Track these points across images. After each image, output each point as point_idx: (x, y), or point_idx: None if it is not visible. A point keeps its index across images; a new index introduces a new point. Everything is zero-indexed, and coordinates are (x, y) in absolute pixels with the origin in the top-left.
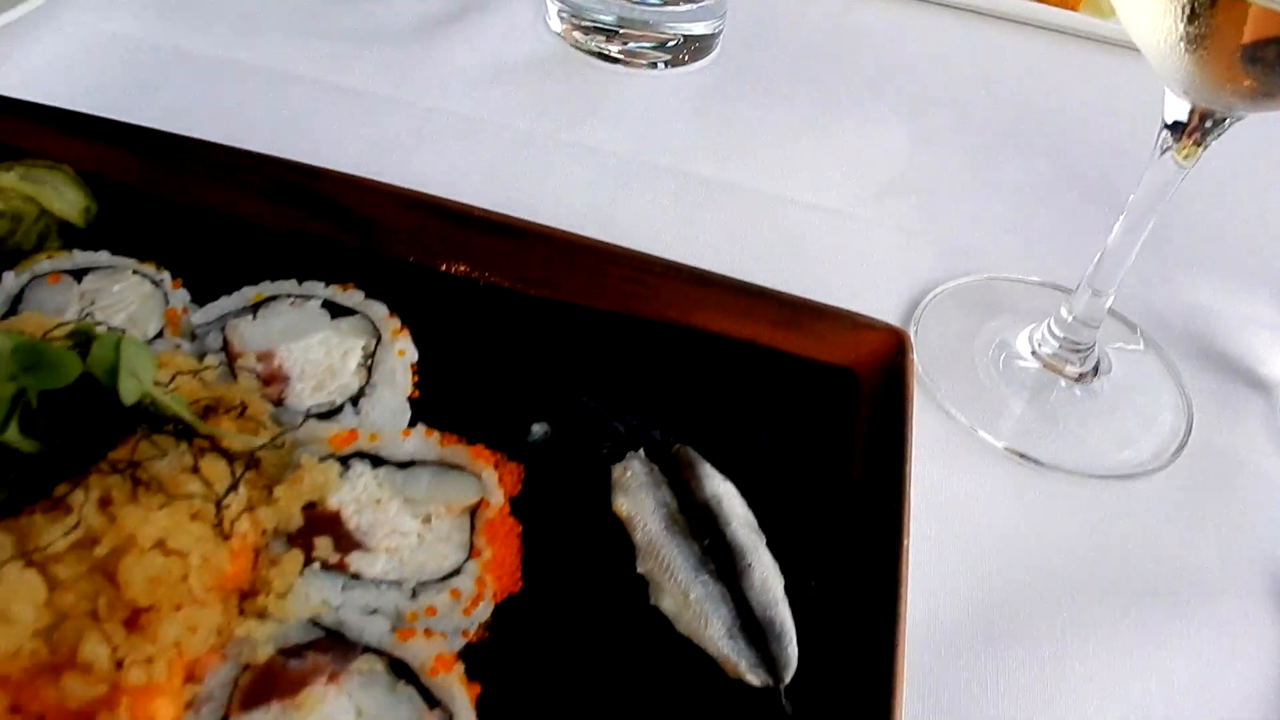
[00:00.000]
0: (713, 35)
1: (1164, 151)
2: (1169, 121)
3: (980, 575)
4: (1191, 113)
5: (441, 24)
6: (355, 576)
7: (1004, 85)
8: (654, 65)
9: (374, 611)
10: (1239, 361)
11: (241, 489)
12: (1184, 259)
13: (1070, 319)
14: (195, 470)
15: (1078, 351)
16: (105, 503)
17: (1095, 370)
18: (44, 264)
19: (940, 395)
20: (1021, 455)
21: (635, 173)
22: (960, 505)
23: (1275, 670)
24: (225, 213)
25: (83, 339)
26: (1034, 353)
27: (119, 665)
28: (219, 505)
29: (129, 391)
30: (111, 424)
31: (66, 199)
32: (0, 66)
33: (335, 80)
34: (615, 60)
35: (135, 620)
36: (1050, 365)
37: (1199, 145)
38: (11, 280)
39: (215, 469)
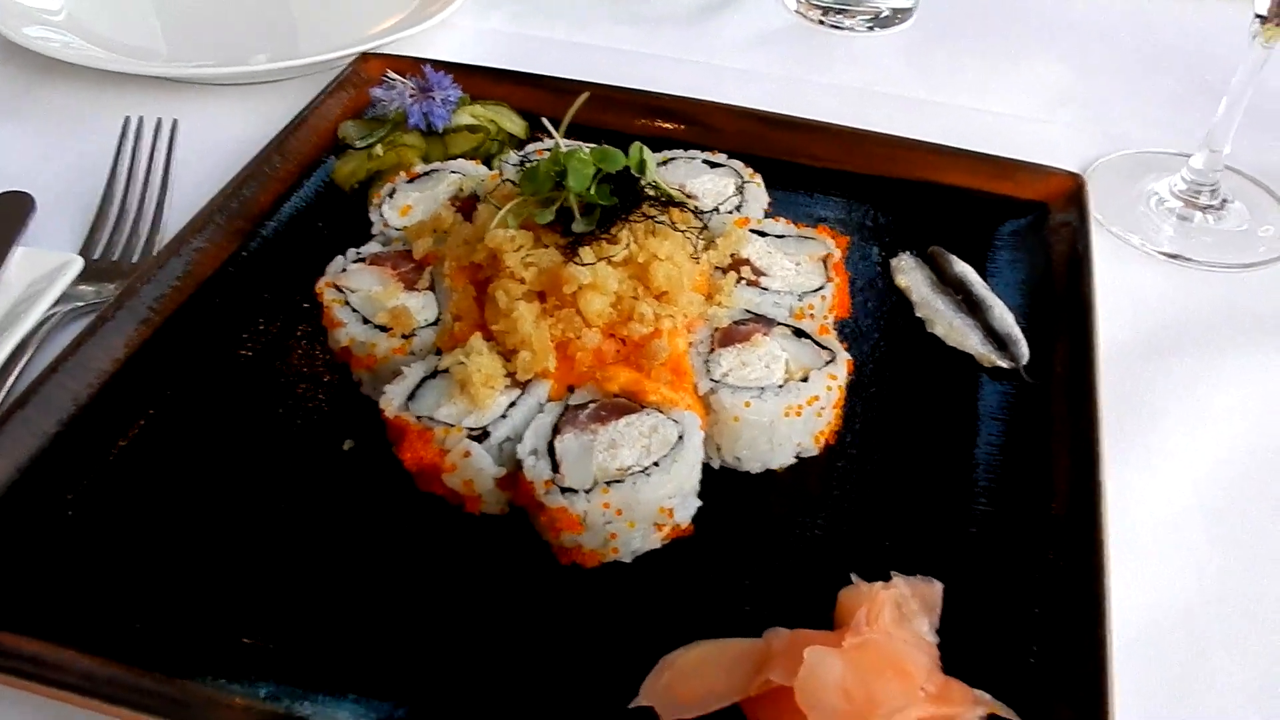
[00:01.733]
0: (912, 7)
1: (1254, 38)
2: (1257, 12)
3: (1147, 324)
4: (1271, 4)
5: (709, 10)
6: (765, 289)
7: (1144, 21)
8: (870, 29)
9: (779, 306)
10: None
11: (700, 237)
12: None
13: (1197, 167)
14: (673, 225)
15: (1205, 189)
16: (636, 237)
17: (1222, 204)
18: (529, 146)
19: (1109, 224)
20: (1173, 256)
21: (869, 98)
22: (1130, 288)
23: None
24: (607, 129)
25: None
26: (1173, 193)
27: (657, 317)
28: (694, 241)
29: (647, 175)
30: (635, 194)
31: (512, 121)
32: (428, 50)
33: (649, 51)
34: (839, 27)
35: (660, 298)
36: (1187, 201)
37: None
38: (515, 157)
39: (687, 223)
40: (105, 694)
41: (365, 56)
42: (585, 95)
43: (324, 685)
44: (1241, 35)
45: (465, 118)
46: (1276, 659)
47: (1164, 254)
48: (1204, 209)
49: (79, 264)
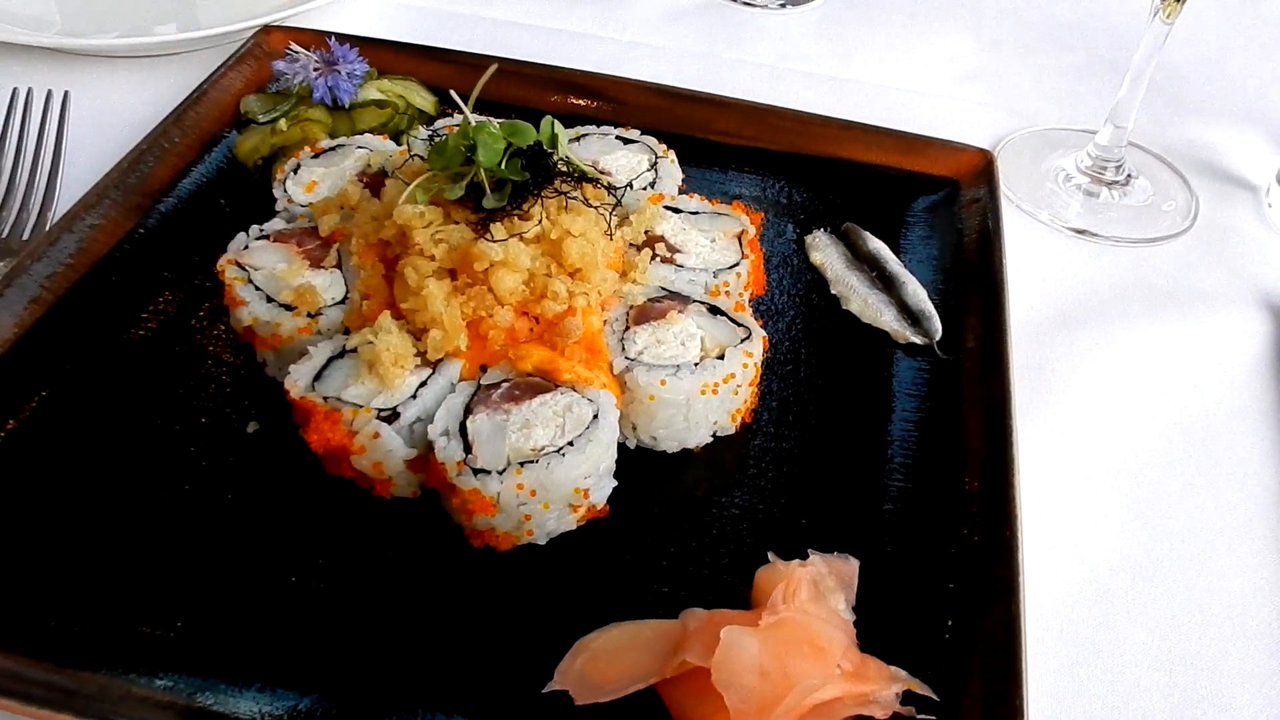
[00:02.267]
0: None
1: (1155, 14)
2: None
3: (1056, 299)
4: None
5: None
6: (680, 266)
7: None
8: (782, 5)
9: (694, 283)
10: (1231, 171)
11: (614, 214)
12: (1186, 105)
13: (1102, 144)
14: (586, 201)
15: (1110, 166)
16: (548, 213)
17: (1127, 179)
18: (439, 122)
19: (1019, 200)
20: (1080, 231)
21: (780, 74)
22: (1040, 264)
23: (1262, 343)
24: (519, 105)
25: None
26: (1079, 169)
27: (571, 295)
28: (608, 218)
29: (559, 150)
30: (547, 170)
31: (421, 97)
32: (334, 25)
33: (560, 26)
34: (752, 4)
35: (573, 275)
36: (1093, 177)
37: (1179, 2)
38: (425, 132)
39: (601, 199)
40: None
41: (268, 29)
42: (494, 67)
43: (226, 674)
44: (1141, 9)
45: (373, 92)
46: (1183, 624)
47: (1072, 229)
48: (1109, 185)
49: None
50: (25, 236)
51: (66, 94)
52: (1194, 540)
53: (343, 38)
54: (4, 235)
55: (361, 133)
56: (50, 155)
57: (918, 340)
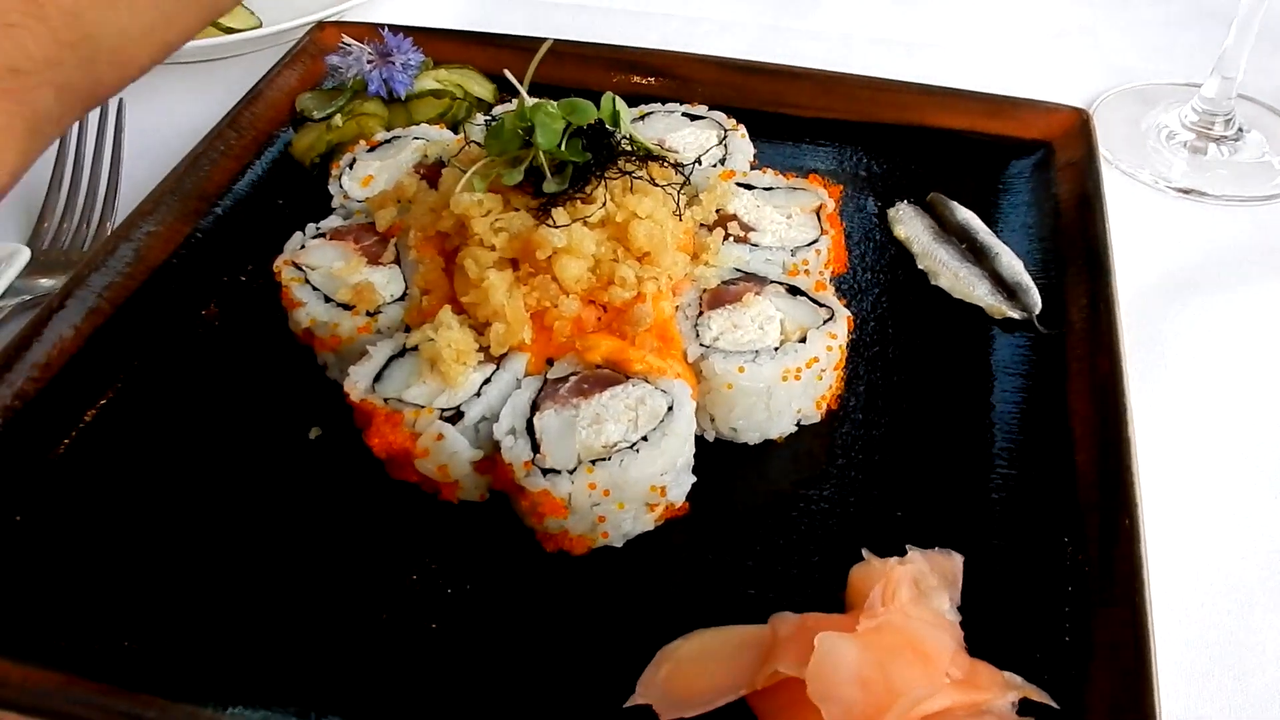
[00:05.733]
0: None
1: None
2: None
3: (1164, 265)
4: None
5: None
6: (755, 245)
7: None
8: None
9: (771, 263)
10: None
11: (682, 193)
12: None
13: (1209, 96)
14: (652, 180)
15: (1218, 120)
16: (613, 195)
17: (1238, 134)
18: (498, 108)
19: (1118, 161)
20: (1187, 191)
21: (855, 43)
22: (1144, 227)
23: None
24: (582, 87)
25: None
26: (1184, 125)
27: (640, 280)
28: (676, 198)
29: (621, 128)
30: (609, 149)
31: (480, 85)
32: (390, 18)
33: (619, 6)
34: None
35: (642, 260)
36: (1200, 132)
37: None
38: (483, 119)
39: (668, 178)
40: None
41: (322, 25)
42: (549, 42)
43: (305, 699)
44: None
45: (429, 83)
46: None
47: (1177, 189)
48: (1218, 140)
49: (25, 254)
50: (85, 248)
51: (121, 102)
52: None
53: (396, 28)
54: (64, 248)
55: (419, 124)
56: (108, 166)
57: (1015, 315)
